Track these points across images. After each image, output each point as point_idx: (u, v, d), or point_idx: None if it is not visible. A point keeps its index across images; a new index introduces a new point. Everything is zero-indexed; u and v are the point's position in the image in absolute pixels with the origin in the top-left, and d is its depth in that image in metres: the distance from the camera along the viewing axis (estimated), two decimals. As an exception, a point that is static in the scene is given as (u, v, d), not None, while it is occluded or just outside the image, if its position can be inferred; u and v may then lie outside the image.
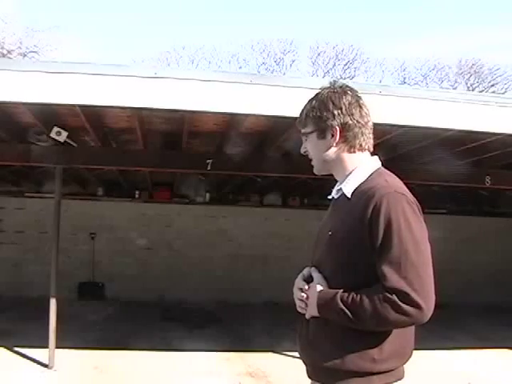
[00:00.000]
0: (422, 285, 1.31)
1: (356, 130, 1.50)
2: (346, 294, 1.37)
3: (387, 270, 1.32)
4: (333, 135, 1.50)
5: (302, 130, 1.59)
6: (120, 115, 4.46)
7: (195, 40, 29.22)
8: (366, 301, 1.33)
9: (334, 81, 1.57)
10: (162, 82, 3.31)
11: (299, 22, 29.44)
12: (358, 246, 1.39)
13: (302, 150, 1.61)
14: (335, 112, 1.48)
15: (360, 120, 1.50)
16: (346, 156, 1.52)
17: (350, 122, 1.49)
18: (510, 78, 20.05)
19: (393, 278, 1.31)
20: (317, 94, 1.56)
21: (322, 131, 1.52)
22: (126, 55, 27.32)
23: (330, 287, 1.45)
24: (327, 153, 1.53)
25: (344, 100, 1.49)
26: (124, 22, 30.49)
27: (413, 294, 1.29)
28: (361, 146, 1.52)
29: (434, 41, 28.64)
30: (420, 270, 1.32)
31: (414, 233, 1.34)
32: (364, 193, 1.42)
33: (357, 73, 21.47)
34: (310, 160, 1.61)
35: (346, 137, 1.50)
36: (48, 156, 4.83)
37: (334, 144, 1.51)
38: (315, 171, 1.62)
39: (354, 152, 1.52)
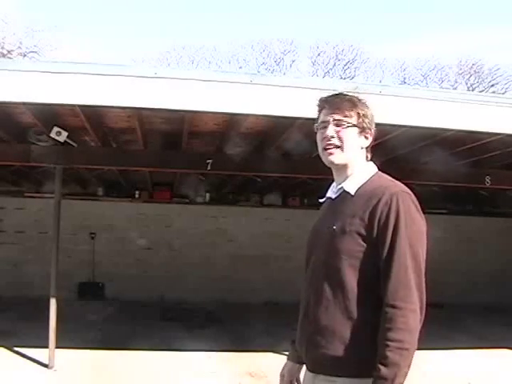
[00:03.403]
0: (407, 291, 1.41)
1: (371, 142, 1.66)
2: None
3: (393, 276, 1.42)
4: (366, 138, 1.62)
5: (344, 119, 1.58)
6: (120, 115, 4.46)
7: (195, 40, 29.23)
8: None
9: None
10: (162, 81, 3.31)
11: (299, 22, 29.49)
12: (363, 239, 1.47)
13: (330, 133, 1.58)
14: (373, 122, 1.64)
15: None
16: (361, 160, 1.63)
17: (374, 135, 1.65)
18: (510, 78, 20.07)
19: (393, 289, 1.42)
20: (359, 98, 1.65)
21: (364, 130, 1.61)
22: (126, 55, 27.29)
23: (334, 282, 1.50)
24: (356, 150, 1.62)
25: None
26: (124, 22, 30.53)
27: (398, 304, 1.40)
28: (369, 156, 1.67)
29: (434, 41, 28.66)
30: (410, 272, 1.43)
31: (416, 230, 1.47)
32: (370, 191, 1.52)
33: (357, 73, 21.47)
34: (330, 146, 1.59)
35: (369, 147, 1.65)
36: (48, 156, 4.83)
37: (367, 144, 1.63)
38: (331, 158, 1.60)
39: (366, 159, 1.65)
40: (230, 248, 8.92)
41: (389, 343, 1.37)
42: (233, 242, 8.96)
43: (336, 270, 1.50)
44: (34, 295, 6.98)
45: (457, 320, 7.33)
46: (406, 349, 1.38)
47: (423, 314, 1.44)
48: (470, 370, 5.11)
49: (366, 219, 1.47)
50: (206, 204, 9.04)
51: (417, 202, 1.51)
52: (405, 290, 1.40)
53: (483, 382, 4.84)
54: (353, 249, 1.48)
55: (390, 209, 1.45)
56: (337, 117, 1.58)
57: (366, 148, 1.64)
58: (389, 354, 1.37)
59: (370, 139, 1.63)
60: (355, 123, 1.59)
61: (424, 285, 1.45)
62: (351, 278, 1.48)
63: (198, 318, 7.33)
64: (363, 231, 1.47)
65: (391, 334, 1.38)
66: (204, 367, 4.96)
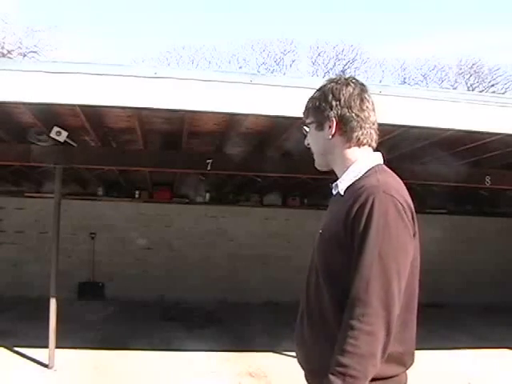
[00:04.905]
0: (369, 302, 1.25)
1: (354, 123, 1.44)
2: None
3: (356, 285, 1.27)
4: (330, 127, 1.45)
5: (306, 121, 1.55)
6: (120, 115, 4.46)
7: (195, 40, 29.26)
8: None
9: (343, 72, 1.56)
10: (162, 81, 3.31)
11: (299, 22, 29.49)
12: (341, 245, 1.35)
13: (306, 143, 1.57)
14: (333, 103, 1.44)
15: (359, 114, 1.44)
16: (344, 150, 1.47)
17: (348, 114, 1.43)
18: (510, 78, 20.09)
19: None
20: (321, 86, 1.51)
21: (320, 123, 1.48)
22: (126, 55, 27.33)
23: (317, 292, 1.42)
24: (324, 145, 1.49)
25: (344, 91, 1.44)
26: (124, 21, 30.53)
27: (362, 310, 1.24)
28: (359, 140, 1.45)
29: (434, 41, 28.69)
30: (373, 287, 1.26)
31: (391, 239, 1.28)
32: (354, 191, 1.37)
33: (357, 73, 21.37)
34: (312, 153, 1.57)
35: (343, 130, 1.45)
36: (48, 156, 4.83)
37: (330, 137, 1.46)
38: (316, 165, 1.58)
39: (350, 147, 1.46)
40: (230, 248, 8.92)
41: (334, 366, 1.23)
42: (233, 241, 8.96)
43: (320, 278, 1.41)
44: (34, 295, 6.98)
45: (457, 320, 7.32)
46: (351, 376, 1.21)
47: (389, 338, 1.25)
48: (470, 369, 5.11)
49: (342, 224, 1.33)
50: (206, 204, 9.03)
51: (403, 207, 1.31)
52: (363, 308, 1.23)
53: (483, 382, 4.84)
54: (332, 256, 1.38)
55: (362, 212, 1.28)
56: (304, 122, 1.55)
57: (341, 135, 1.45)
58: (331, 377, 1.22)
59: (334, 124, 1.44)
60: (312, 120, 1.51)
61: (395, 304, 1.25)
62: (332, 289, 1.36)
63: (197, 317, 7.32)
64: (340, 237, 1.34)
65: (338, 357, 1.23)
66: (204, 367, 4.96)
